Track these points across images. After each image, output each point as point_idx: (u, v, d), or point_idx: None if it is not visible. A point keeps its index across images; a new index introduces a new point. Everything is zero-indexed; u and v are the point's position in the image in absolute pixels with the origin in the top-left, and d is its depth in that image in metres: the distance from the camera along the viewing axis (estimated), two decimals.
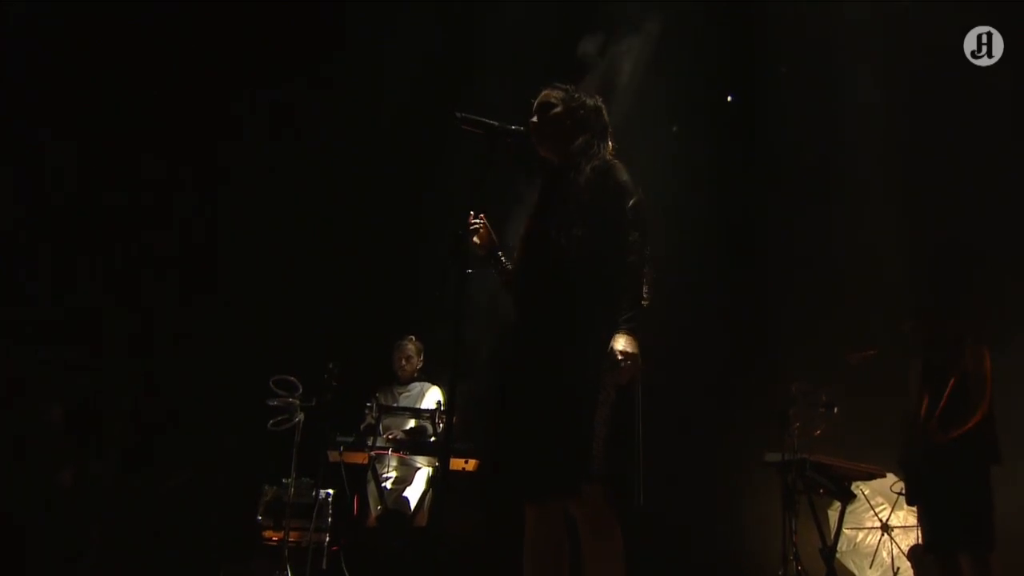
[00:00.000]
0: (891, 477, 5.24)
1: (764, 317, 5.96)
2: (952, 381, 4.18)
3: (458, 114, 2.63)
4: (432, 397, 5.42)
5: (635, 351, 2.58)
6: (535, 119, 2.89)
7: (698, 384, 5.84)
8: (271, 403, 4.77)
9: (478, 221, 2.83)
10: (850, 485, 5.03)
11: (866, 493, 5.53)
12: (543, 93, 2.95)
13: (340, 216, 6.05)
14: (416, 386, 5.57)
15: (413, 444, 5.03)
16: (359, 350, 5.41)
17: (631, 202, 2.73)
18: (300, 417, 4.78)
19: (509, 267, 2.90)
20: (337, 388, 4.77)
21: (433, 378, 5.58)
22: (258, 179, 5.84)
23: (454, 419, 2.50)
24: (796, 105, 5.61)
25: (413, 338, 5.61)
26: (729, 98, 5.86)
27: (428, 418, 5.05)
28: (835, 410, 4.76)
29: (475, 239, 2.83)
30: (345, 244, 6.05)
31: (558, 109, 2.88)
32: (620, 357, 2.56)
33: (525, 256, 2.85)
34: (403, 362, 5.58)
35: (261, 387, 4.82)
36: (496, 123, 2.68)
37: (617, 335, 2.60)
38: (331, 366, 4.82)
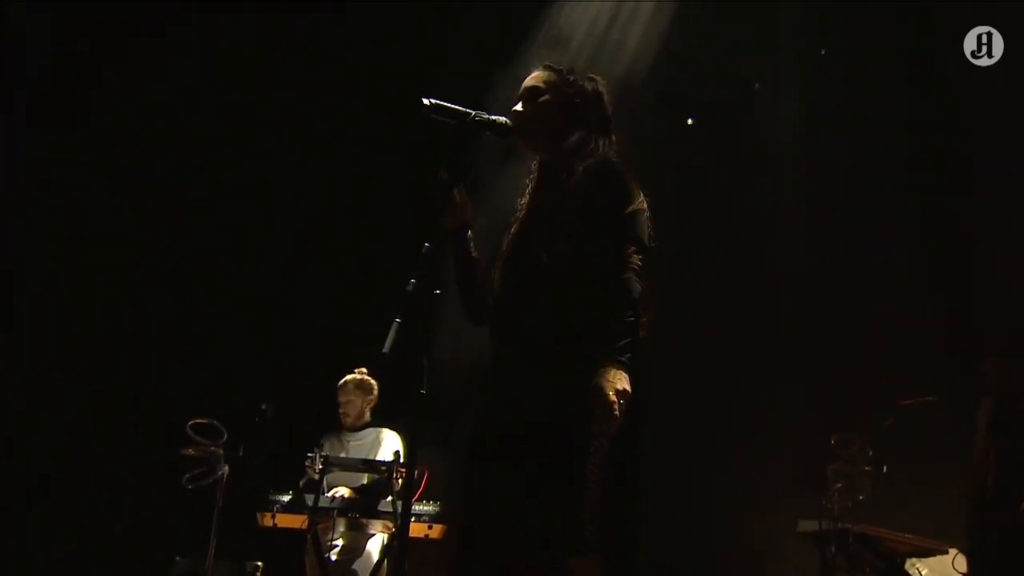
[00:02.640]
0: (955, 553, 5.10)
1: (799, 353, 6.02)
2: None
3: (425, 101, 2.60)
4: (389, 446, 5.38)
5: (627, 389, 2.52)
6: (519, 108, 2.85)
7: (717, 434, 5.87)
8: (187, 452, 4.72)
9: (452, 183, 2.74)
10: (903, 563, 4.99)
11: (923, 573, 5.37)
12: (531, 76, 2.91)
13: (279, 220, 6.14)
14: (370, 433, 5.53)
15: (365, 505, 4.99)
16: (300, 386, 5.44)
17: (629, 209, 2.69)
18: (224, 470, 4.74)
19: (474, 255, 2.84)
20: (271, 434, 4.76)
21: (392, 422, 5.54)
22: None
23: (416, 474, 2.47)
24: None
25: (364, 371, 5.58)
26: (689, 121, 6.26)
27: (384, 472, 4.97)
28: (884, 469, 4.74)
29: (450, 207, 2.75)
30: (284, 254, 6.13)
31: (547, 97, 2.85)
32: (612, 398, 2.49)
33: (505, 280, 2.81)
34: (346, 404, 5.52)
35: (175, 433, 4.78)
36: (472, 112, 2.66)
37: (605, 368, 2.53)
38: (264, 407, 4.80)
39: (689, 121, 6.26)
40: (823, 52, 6.08)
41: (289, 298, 6.14)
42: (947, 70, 5.75)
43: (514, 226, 2.88)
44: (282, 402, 4.89)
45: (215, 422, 4.79)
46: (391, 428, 5.53)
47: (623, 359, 2.55)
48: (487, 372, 2.77)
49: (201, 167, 6.10)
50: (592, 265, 2.64)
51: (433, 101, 2.61)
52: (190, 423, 4.75)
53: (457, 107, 2.65)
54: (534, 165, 2.94)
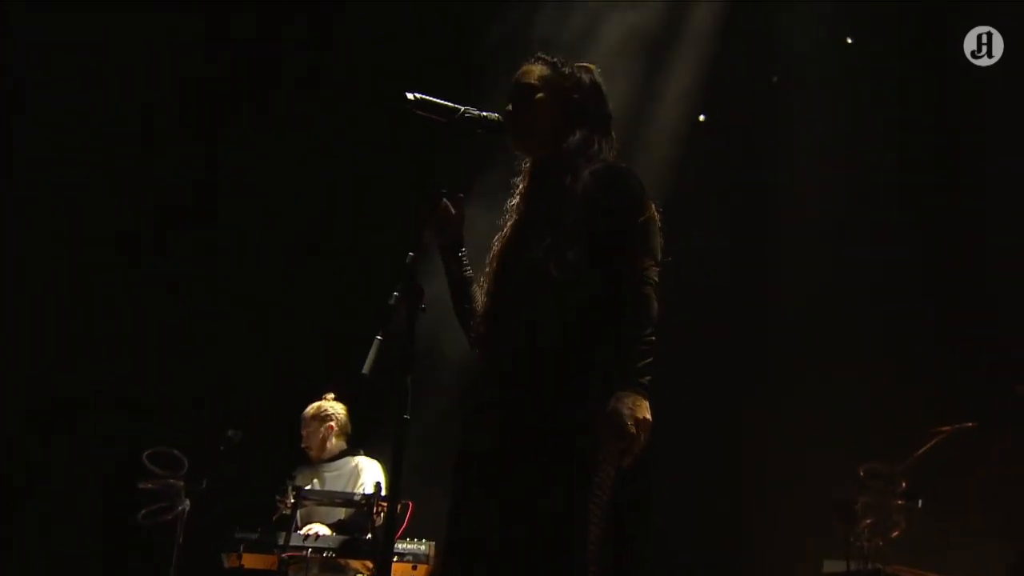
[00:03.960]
0: None
1: (823, 374, 5.99)
2: None
3: (409, 95, 2.59)
4: (370, 477, 5.33)
5: (648, 418, 2.50)
6: (511, 107, 2.82)
7: (733, 465, 5.86)
8: (144, 486, 4.67)
9: (445, 195, 2.73)
10: None
11: None
12: (522, 69, 2.87)
13: (247, 232, 6.20)
14: (347, 462, 5.50)
15: (342, 543, 4.93)
16: (270, 412, 5.43)
17: (642, 218, 2.69)
18: (185, 505, 4.68)
19: (469, 273, 2.83)
20: (238, 465, 4.71)
21: (372, 450, 5.51)
22: None
23: (399, 508, 2.48)
24: None
25: (330, 396, 5.57)
26: (701, 117, 6.39)
27: (363, 506, 4.93)
28: (919, 503, 4.71)
29: (436, 220, 2.73)
30: (256, 265, 6.12)
31: (542, 95, 2.82)
32: (630, 425, 2.47)
33: (498, 288, 2.77)
34: (306, 437, 5.49)
35: (131, 464, 4.73)
36: (462, 107, 2.65)
37: (623, 392, 2.51)
38: (230, 434, 4.75)
39: (701, 117, 6.31)
40: (849, 41, 6.24)
41: (259, 313, 6.14)
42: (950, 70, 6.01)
43: (506, 230, 2.85)
44: (250, 428, 4.84)
45: (175, 451, 4.72)
46: (371, 456, 5.49)
47: (644, 383, 2.53)
48: (475, 386, 2.76)
49: (175, 185, 6.27)
50: (607, 277, 2.64)
51: (418, 96, 2.62)
52: (147, 452, 4.68)
53: (445, 102, 2.65)
54: (525, 165, 2.91)
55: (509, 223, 2.86)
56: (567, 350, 2.61)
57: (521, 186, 2.89)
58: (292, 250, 6.28)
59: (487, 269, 2.84)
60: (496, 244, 2.85)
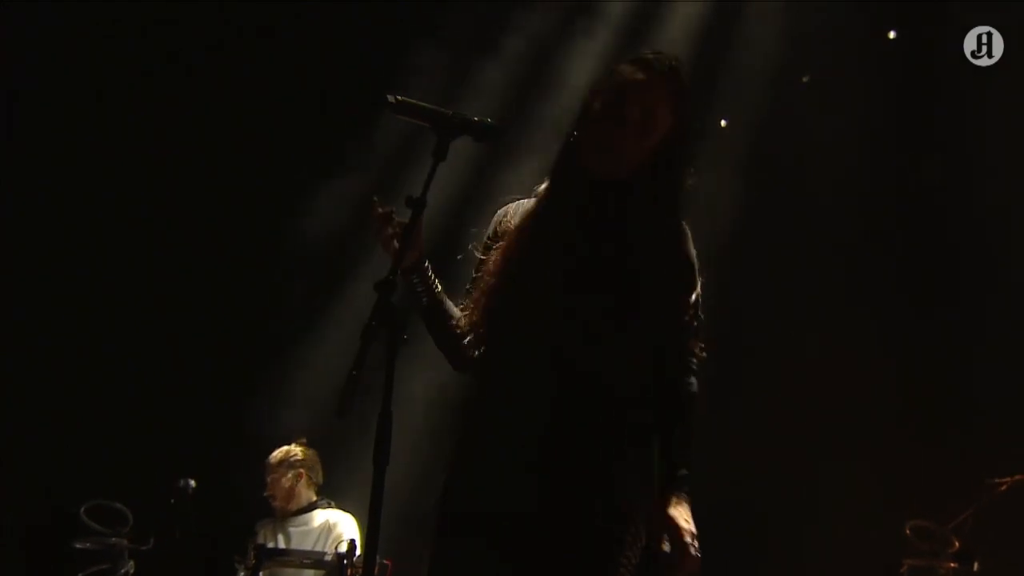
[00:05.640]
0: None
1: (863, 423, 5.96)
2: None
3: (390, 97, 2.54)
4: (344, 533, 5.35)
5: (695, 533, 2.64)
6: (623, 132, 2.65)
7: (766, 522, 5.78)
8: (80, 545, 4.69)
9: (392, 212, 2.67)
10: None
11: None
12: (646, 80, 2.66)
13: (205, 254, 6.16)
14: (316, 516, 5.50)
15: None
16: (229, 457, 5.43)
17: (696, 293, 2.74)
18: (128, 568, 4.73)
19: (438, 288, 2.78)
20: (191, 520, 4.74)
21: (344, 502, 5.53)
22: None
23: (376, 570, 2.43)
24: None
25: (303, 441, 5.55)
26: (723, 122, 6.52)
27: (335, 568, 4.91)
28: (976, 566, 4.70)
29: (398, 239, 2.63)
30: (216, 291, 6.12)
31: (669, 131, 2.67)
32: (694, 547, 2.59)
33: (522, 317, 2.71)
34: (271, 485, 5.48)
35: (67, 519, 4.79)
36: (451, 112, 2.60)
37: (679, 500, 2.63)
38: (181, 484, 4.77)
39: (723, 123, 6.37)
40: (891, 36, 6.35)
41: (216, 341, 6.14)
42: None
43: (525, 247, 2.75)
44: (205, 478, 4.87)
45: (116, 504, 4.78)
46: (344, 510, 5.50)
47: (687, 490, 2.65)
48: (472, 431, 2.75)
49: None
50: (664, 358, 2.70)
51: (400, 98, 2.56)
52: (85, 507, 4.70)
53: (431, 106, 2.61)
54: (563, 178, 2.77)
55: (529, 237, 2.75)
56: (615, 431, 2.66)
57: (549, 200, 2.77)
58: (244, 267, 6.31)
59: (498, 292, 2.75)
60: (506, 259, 2.75)
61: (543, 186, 2.83)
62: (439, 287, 2.79)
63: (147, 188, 6.17)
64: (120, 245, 6.20)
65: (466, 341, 2.79)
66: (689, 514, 2.63)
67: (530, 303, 2.73)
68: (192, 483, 4.76)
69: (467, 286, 2.83)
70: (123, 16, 6.19)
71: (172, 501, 4.72)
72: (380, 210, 2.66)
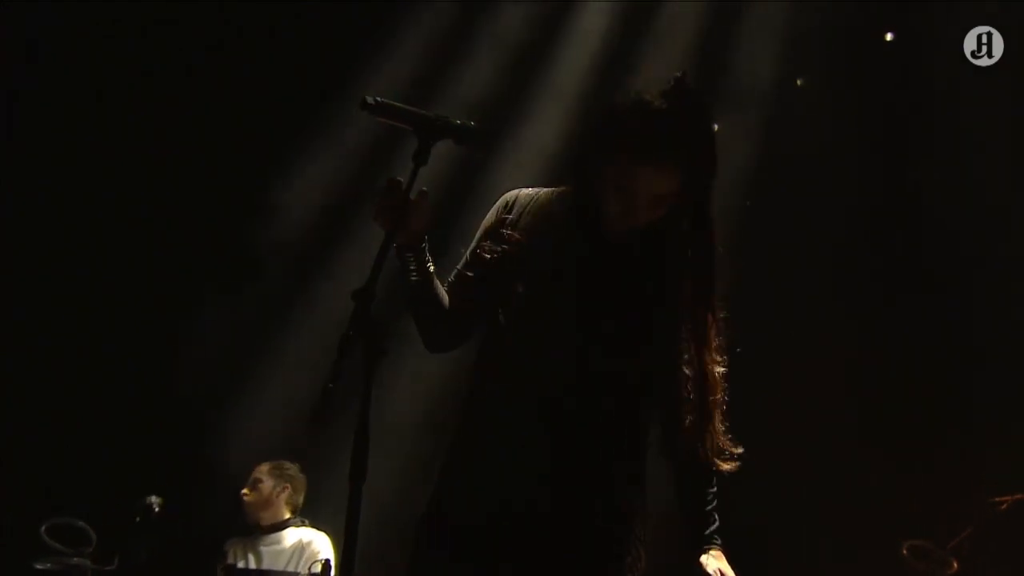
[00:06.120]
0: None
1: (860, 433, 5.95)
2: None
3: (368, 98, 2.52)
4: (320, 550, 5.34)
5: None
6: (632, 208, 2.63)
7: (758, 543, 5.51)
8: (42, 566, 4.71)
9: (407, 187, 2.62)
10: None
11: None
12: (655, 148, 2.57)
13: (176, 254, 6.15)
14: (290, 535, 5.47)
15: None
16: (197, 474, 5.44)
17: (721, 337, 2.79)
18: None
19: (431, 268, 2.75)
20: (157, 540, 4.76)
21: (320, 521, 5.51)
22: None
23: None
24: None
25: (297, 467, 5.55)
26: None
27: None
28: None
29: (405, 211, 2.60)
30: (188, 293, 6.16)
31: (679, 202, 2.64)
32: None
33: (554, 345, 2.72)
34: (252, 486, 5.46)
35: (23, 539, 4.81)
36: (432, 114, 2.59)
37: (719, 553, 2.72)
38: (148, 501, 4.77)
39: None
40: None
41: (184, 348, 6.16)
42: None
43: (553, 283, 2.76)
44: (173, 494, 4.87)
45: (79, 522, 4.82)
46: (320, 529, 5.48)
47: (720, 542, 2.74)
48: (471, 433, 2.76)
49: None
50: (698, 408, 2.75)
51: (379, 99, 2.54)
52: (46, 525, 4.72)
53: (411, 108, 2.60)
54: (581, 221, 2.76)
55: (552, 276, 2.75)
56: (624, 428, 2.73)
57: (573, 241, 2.76)
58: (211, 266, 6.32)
59: (526, 313, 2.75)
60: (531, 283, 2.75)
61: (554, 195, 2.85)
62: (432, 267, 2.77)
63: (147, 188, 6.16)
64: (120, 245, 6.19)
65: (449, 327, 2.82)
66: (727, 565, 2.71)
67: (546, 319, 2.75)
68: (158, 500, 4.75)
69: (458, 266, 2.83)
70: (123, 16, 6.18)
71: (137, 519, 4.71)
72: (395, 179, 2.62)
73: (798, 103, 6.46)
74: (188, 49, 6.24)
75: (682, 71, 2.64)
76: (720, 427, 2.73)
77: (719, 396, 2.73)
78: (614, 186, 2.61)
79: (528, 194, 2.82)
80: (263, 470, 5.51)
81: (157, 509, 4.72)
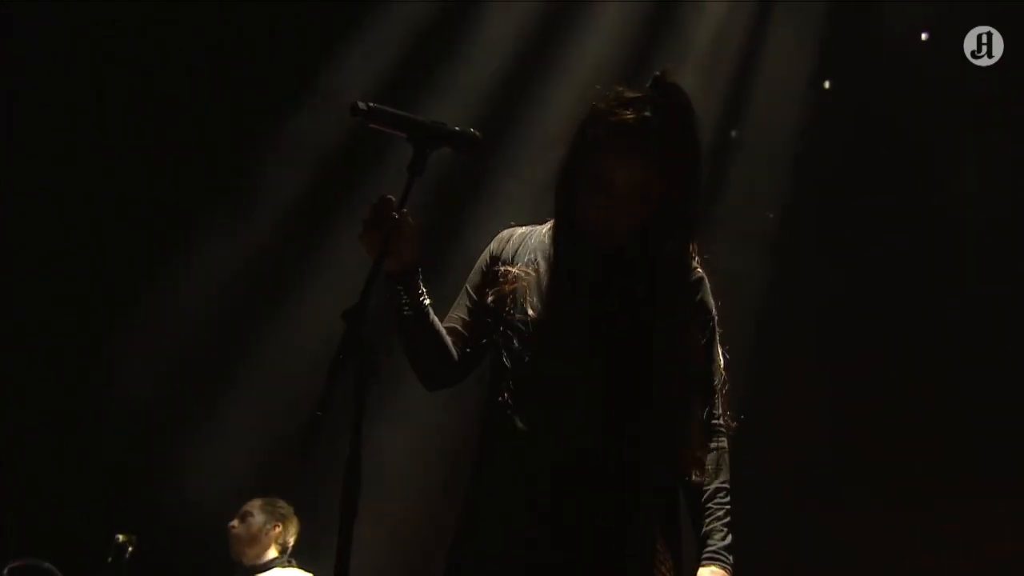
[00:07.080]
0: None
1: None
2: None
3: (361, 104, 2.52)
4: None
5: None
6: (609, 202, 2.71)
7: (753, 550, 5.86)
8: None
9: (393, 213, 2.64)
10: None
11: None
12: (633, 142, 2.68)
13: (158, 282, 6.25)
14: (273, 575, 5.46)
15: None
16: (171, 511, 5.50)
17: (721, 355, 2.86)
18: None
19: (425, 300, 2.77)
20: None
21: (307, 561, 5.52)
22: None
23: None
24: None
25: (292, 508, 5.56)
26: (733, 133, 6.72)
27: None
28: None
29: (391, 242, 2.63)
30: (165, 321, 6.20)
31: (661, 195, 2.72)
32: None
33: (564, 374, 2.76)
34: (241, 519, 5.47)
35: None
36: (428, 120, 2.61)
37: (713, 567, 2.71)
38: (120, 539, 4.87)
39: (733, 133, 6.49)
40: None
41: (162, 375, 6.20)
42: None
43: (550, 304, 2.82)
44: (147, 533, 4.95)
45: (46, 564, 4.91)
46: (306, 570, 5.48)
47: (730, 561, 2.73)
48: (482, 498, 2.80)
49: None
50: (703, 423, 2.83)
51: (371, 105, 2.54)
52: (9, 567, 4.89)
53: (406, 114, 2.60)
54: (565, 241, 2.84)
55: (550, 294, 2.82)
56: (640, 488, 2.75)
57: (561, 252, 2.84)
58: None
59: (531, 344, 2.80)
60: (532, 310, 2.82)
61: (547, 228, 2.91)
62: (427, 299, 2.78)
63: (147, 188, 6.25)
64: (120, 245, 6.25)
65: (447, 364, 2.83)
66: None
67: (549, 366, 2.79)
68: (131, 538, 4.81)
69: (456, 302, 2.89)
70: (123, 16, 6.29)
71: (108, 559, 4.77)
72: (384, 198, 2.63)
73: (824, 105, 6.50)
74: (188, 49, 6.28)
75: (661, 69, 2.75)
76: (702, 439, 2.81)
77: (716, 405, 2.83)
78: (595, 185, 2.70)
79: (522, 232, 2.89)
80: (255, 504, 5.51)
81: (129, 549, 4.77)
